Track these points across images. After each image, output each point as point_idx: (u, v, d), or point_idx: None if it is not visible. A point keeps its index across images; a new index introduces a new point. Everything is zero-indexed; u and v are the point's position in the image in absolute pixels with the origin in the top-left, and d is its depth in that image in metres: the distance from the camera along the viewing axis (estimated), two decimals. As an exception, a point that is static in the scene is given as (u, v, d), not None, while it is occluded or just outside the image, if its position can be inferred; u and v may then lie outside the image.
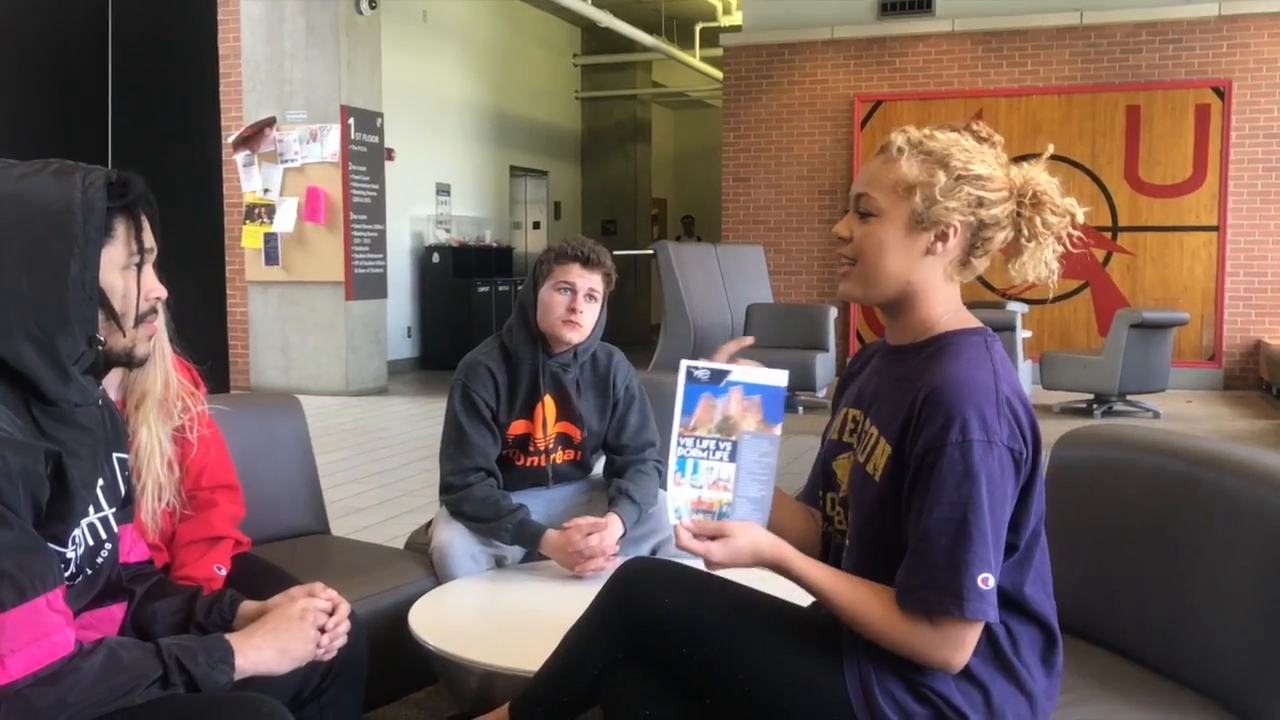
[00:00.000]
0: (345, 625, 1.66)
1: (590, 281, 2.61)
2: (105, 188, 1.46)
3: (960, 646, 1.49)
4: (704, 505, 1.63)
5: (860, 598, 1.53)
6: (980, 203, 1.56)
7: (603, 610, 1.76)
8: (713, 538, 1.57)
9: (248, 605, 1.72)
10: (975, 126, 1.62)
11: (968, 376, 1.49)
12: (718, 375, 1.63)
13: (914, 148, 1.57)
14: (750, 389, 1.64)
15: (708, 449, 1.63)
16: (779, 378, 1.66)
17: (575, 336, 2.63)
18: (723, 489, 1.63)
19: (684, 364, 1.63)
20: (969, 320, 1.62)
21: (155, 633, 1.66)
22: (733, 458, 1.63)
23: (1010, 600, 1.52)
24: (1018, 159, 1.64)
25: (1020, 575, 1.56)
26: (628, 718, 1.68)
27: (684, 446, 1.62)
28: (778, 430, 1.65)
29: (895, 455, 1.53)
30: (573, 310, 2.59)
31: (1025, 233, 1.59)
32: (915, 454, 1.49)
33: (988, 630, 1.53)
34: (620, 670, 1.71)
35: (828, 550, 1.73)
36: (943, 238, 1.57)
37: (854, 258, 1.61)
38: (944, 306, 1.61)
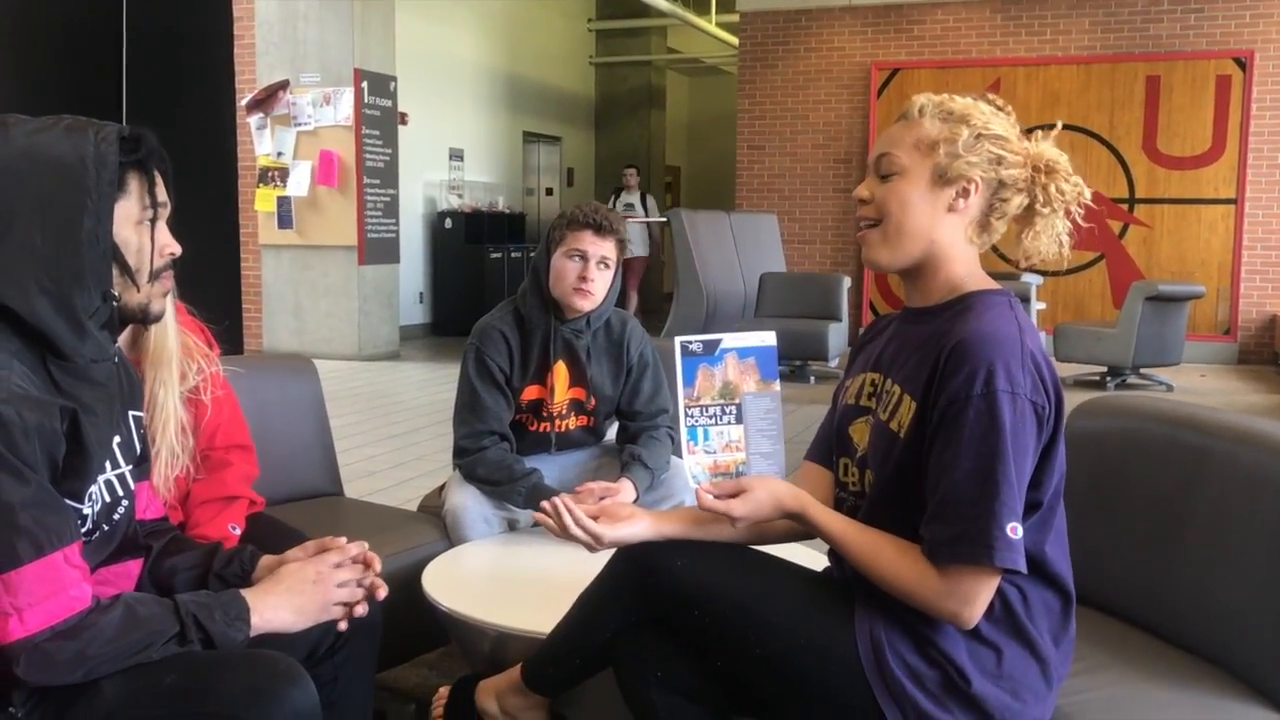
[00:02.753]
0: (378, 585, 1.67)
1: (602, 249, 2.60)
2: (118, 142, 1.45)
3: (973, 600, 1.49)
4: (720, 468, 1.69)
5: (876, 545, 1.56)
6: (1000, 161, 1.60)
7: (616, 573, 1.76)
8: (733, 496, 1.61)
9: (268, 559, 1.74)
10: (990, 97, 1.67)
11: (993, 330, 1.51)
12: (710, 345, 1.71)
13: (936, 107, 1.62)
14: (743, 352, 1.73)
15: (714, 415, 1.71)
16: (768, 338, 1.74)
17: (587, 305, 2.62)
18: (735, 449, 1.70)
19: (678, 340, 1.71)
20: (991, 283, 1.65)
21: (175, 587, 1.68)
22: (739, 419, 1.71)
23: (1030, 560, 1.52)
24: (1033, 129, 1.67)
25: (1041, 535, 1.56)
26: (639, 680, 1.69)
27: (691, 416, 1.70)
28: (776, 386, 1.74)
29: (920, 410, 1.54)
30: (584, 278, 2.58)
31: (1040, 199, 1.62)
32: (939, 405, 1.50)
33: (1001, 593, 1.54)
34: (632, 633, 1.72)
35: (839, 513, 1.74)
36: (964, 194, 1.60)
37: (877, 217, 1.63)
38: (966, 268, 1.64)
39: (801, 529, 1.71)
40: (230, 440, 2.23)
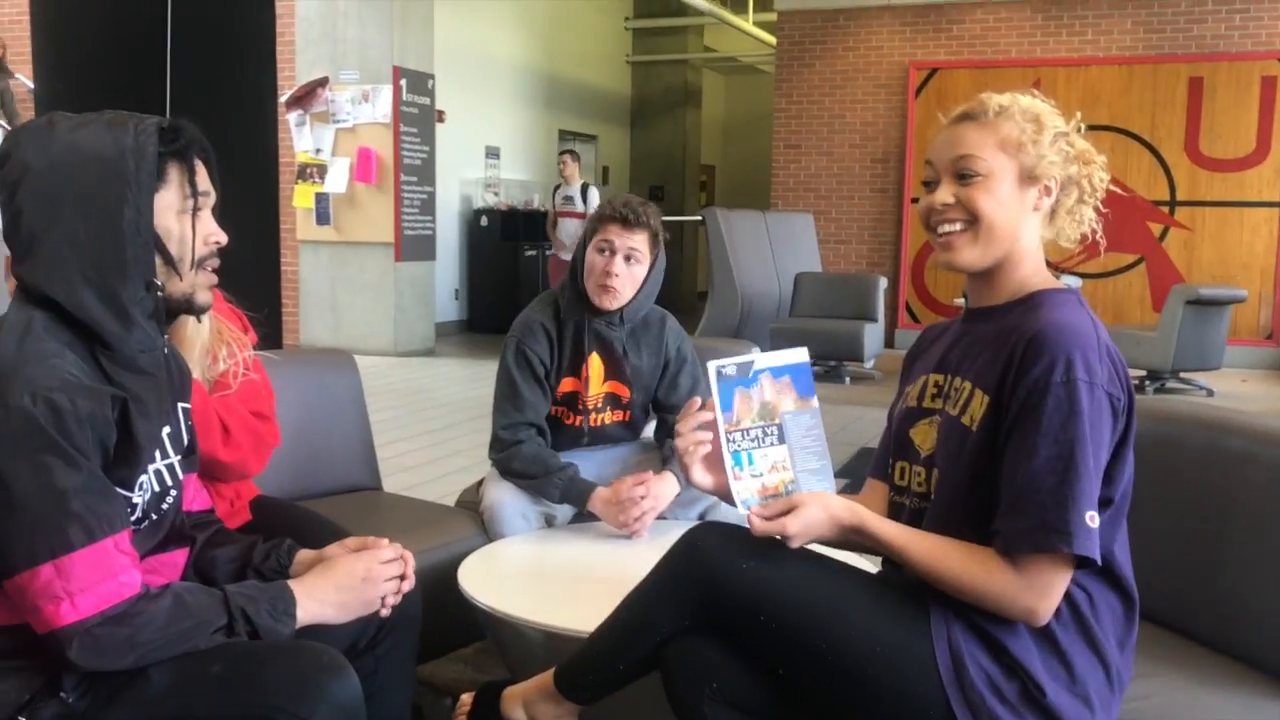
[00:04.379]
0: (410, 582, 1.69)
1: (630, 242, 2.57)
2: (157, 133, 1.48)
3: (1047, 592, 1.48)
4: (770, 491, 1.65)
5: (941, 550, 1.54)
6: (1067, 158, 1.62)
7: (672, 574, 1.67)
8: (785, 515, 1.57)
9: (304, 554, 1.76)
10: (1035, 93, 1.68)
11: (1069, 321, 1.52)
12: (744, 368, 1.68)
13: (1015, 105, 1.62)
14: (777, 371, 1.69)
15: (756, 438, 1.67)
16: (800, 354, 1.72)
17: (609, 302, 2.60)
18: (782, 469, 1.66)
19: (711, 365, 1.67)
20: (1055, 281, 1.65)
21: (215, 579, 1.70)
22: (782, 439, 1.67)
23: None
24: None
25: (1110, 534, 1.54)
26: (692, 689, 1.61)
27: (734, 442, 1.66)
28: (815, 402, 1.71)
29: (994, 403, 1.53)
30: (608, 273, 2.57)
31: (1087, 189, 1.64)
32: (1017, 396, 1.50)
33: (1068, 595, 1.52)
34: (685, 638, 1.64)
35: (897, 520, 1.70)
36: (1046, 192, 1.62)
37: (970, 218, 1.61)
38: (1033, 266, 1.65)
39: (859, 542, 1.66)
40: (250, 406, 2.21)
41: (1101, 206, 1.67)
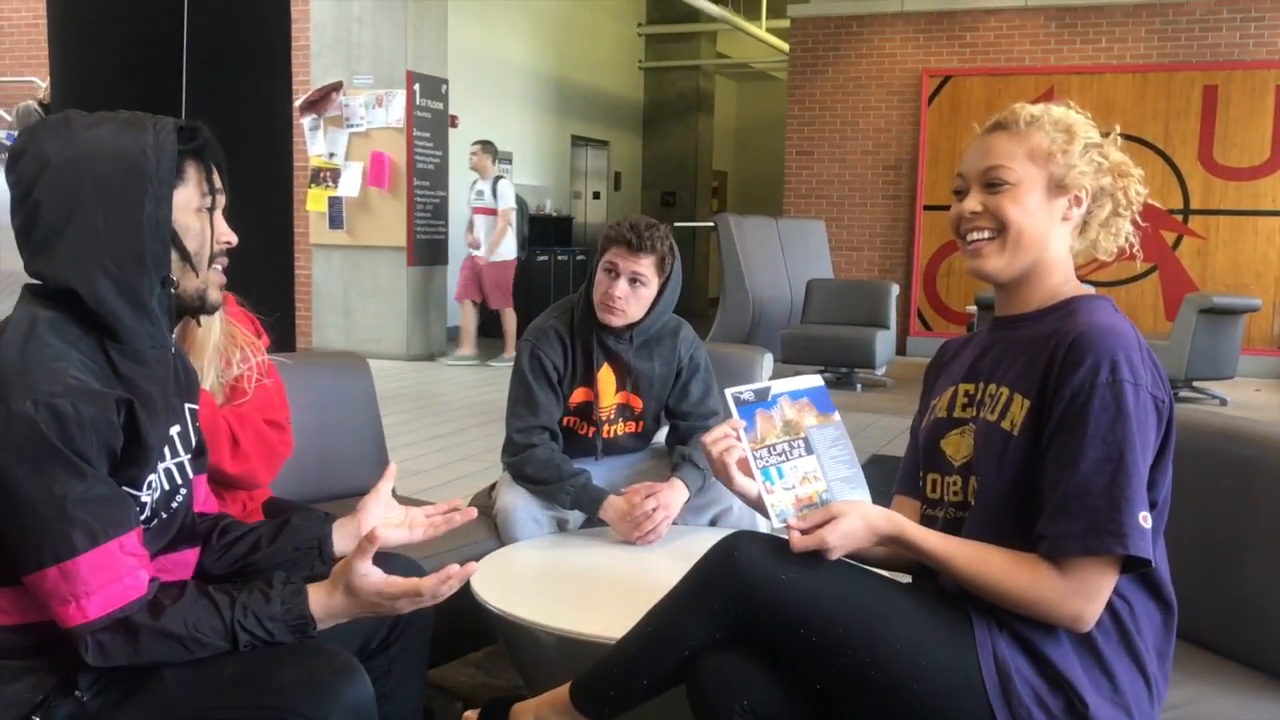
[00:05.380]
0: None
1: (635, 266, 2.57)
2: (175, 132, 1.49)
3: (1094, 597, 1.47)
4: (804, 501, 1.64)
5: (984, 556, 1.52)
6: (1099, 169, 1.62)
7: (706, 584, 1.60)
8: (823, 526, 1.55)
9: (342, 527, 1.78)
10: (1070, 104, 1.69)
11: (1110, 324, 1.52)
12: (761, 393, 1.70)
13: (1047, 116, 1.63)
14: (795, 394, 1.72)
15: (783, 452, 1.67)
16: (814, 380, 1.75)
17: (614, 320, 2.61)
18: (814, 479, 1.66)
19: (729, 393, 1.70)
20: (1085, 289, 1.65)
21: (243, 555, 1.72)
22: (809, 450, 1.68)
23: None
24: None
25: (1153, 540, 1.52)
26: (722, 705, 1.56)
27: (761, 459, 1.66)
28: (837, 417, 1.73)
29: (1035, 407, 1.53)
30: (610, 295, 2.57)
31: (1122, 202, 1.64)
32: (1061, 399, 1.49)
33: (1110, 606, 1.51)
34: (715, 652, 1.58)
35: None
36: (1076, 202, 1.62)
37: (998, 226, 1.61)
38: (1064, 275, 1.65)
39: (898, 554, 1.65)
40: (265, 415, 2.23)
41: (1140, 220, 1.67)
